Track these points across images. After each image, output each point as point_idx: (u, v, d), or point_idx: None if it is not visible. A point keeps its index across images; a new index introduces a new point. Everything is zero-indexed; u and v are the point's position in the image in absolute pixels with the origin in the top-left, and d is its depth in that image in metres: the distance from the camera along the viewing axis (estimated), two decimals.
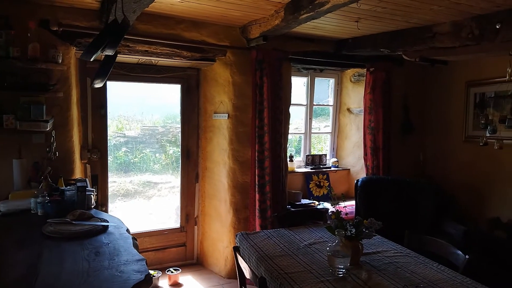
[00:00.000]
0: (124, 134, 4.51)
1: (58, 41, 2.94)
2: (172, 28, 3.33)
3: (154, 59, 3.52)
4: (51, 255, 1.85)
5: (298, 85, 4.50)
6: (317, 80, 4.55)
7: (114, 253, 1.89)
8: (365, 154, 4.24)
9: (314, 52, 3.98)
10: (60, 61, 2.86)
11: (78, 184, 2.54)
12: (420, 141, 4.65)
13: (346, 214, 2.33)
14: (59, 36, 2.94)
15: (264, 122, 3.61)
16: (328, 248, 2.09)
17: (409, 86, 4.55)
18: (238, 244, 2.56)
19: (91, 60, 2.25)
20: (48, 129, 2.78)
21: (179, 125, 4.05)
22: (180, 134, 4.04)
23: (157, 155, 4.62)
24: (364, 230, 2.21)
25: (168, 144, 4.59)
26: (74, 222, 2.21)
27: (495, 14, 2.78)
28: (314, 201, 4.02)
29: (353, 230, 2.18)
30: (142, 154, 4.61)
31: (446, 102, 4.44)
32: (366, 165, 4.23)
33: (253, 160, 3.63)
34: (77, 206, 2.45)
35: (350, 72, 4.58)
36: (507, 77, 3.09)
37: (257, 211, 3.58)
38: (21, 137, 2.83)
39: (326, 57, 4.06)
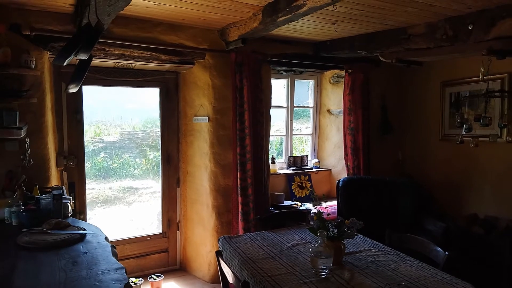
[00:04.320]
0: (103, 139, 4.41)
1: (31, 45, 2.85)
2: (149, 32, 3.28)
3: (131, 63, 3.46)
4: (26, 266, 1.79)
5: (278, 87, 4.52)
6: (297, 82, 4.58)
7: (92, 262, 1.85)
8: (346, 154, 4.28)
9: (293, 54, 4.00)
10: (33, 66, 2.78)
11: (54, 192, 2.47)
12: (399, 140, 4.74)
13: (328, 214, 2.34)
14: (32, 40, 2.85)
15: (245, 125, 3.59)
16: (310, 249, 2.09)
17: (387, 87, 4.63)
18: (221, 248, 2.53)
19: (64, 64, 2.19)
20: (21, 136, 2.69)
21: (159, 129, 3.99)
22: (160, 139, 3.98)
23: (137, 160, 4.54)
24: (346, 230, 2.22)
25: (148, 149, 4.52)
26: (50, 232, 2.14)
27: (468, 16, 2.86)
28: (296, 202, 4.03)
29: (335, 231, 2.19)
30: (121, 160, 4.52)
31: (423, 102, 4.54)
32: (347, 165, 4.27)
33: (235, 163, 3.62)
34: (53, 215, 2.37)
35: (329, 73, 4.63)
36: (481, 77, 3.18)
37: (240, 214, 3.56)
38: None
39: (305, 59, 4.09)
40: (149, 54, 3.31)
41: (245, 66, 3.57)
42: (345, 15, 2.97)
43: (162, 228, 3.98)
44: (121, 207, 4.46)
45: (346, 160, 4.28)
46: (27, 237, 2.06)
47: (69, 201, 2.59)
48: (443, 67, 4.25)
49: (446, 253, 2.26)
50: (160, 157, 4.02)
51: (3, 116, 2.65)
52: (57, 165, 3.25)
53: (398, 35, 3.38)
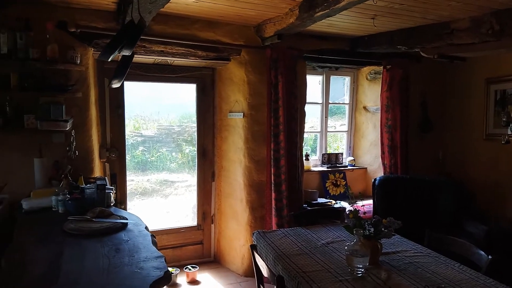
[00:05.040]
0: (141, 133, 4.57)
1: (76, 42, 2.98)
2: (187, 28, 3.34)
3: (169, 59, 3.55)
4: (72, 252, 1.88)
5: (314, 83, 4.47)
6: (332, 78, 4.51)
7: (133, 250, 1.92)
8: (383, 152, 4.18)
9: (329, 50, 3.94)
10: (79, 62, 2.91)
11: (98, 182, 2.58)
12: (439, 139, 4.56)
13: (364, 213, 2.30)
14: (77, 37, 2.98)
15: (280, 121, 3.59)
16: (346, 248, 2.07)
17: (427, 83, 4.47)
18: (255, 242, 2.55)
19: (109, 60, 2.28)
20: (67, 128, 2.84)
21: (195, 125, 4.07)
22: (196, 133, 4.06)
23: (173, 154, 4.66)
24: (383, 229, 2.17)
25: (184, 143, 4.63)
26: (94, 220, 2.24)
27: None
28: (330, 200, 3.99)
29: (372, 229, 2.15)
30: (159, 153, 4.66)
31: (466, 99, 4.34)
32: (383, 164, 4.17)
33: (269, 159, 3.63)
34: (97, 204, 2.49)
35: (366, 70, 4.52)
36: None
37: (273, 209, 3.57)
38: (42, 136, 2.89)
39: (341, 55, 4.02)
40: (186, 51, 3.38)
41: (281, 62, 3.56)
42: (385, 9, 2.89)
43: (197, 220, 4.07)
44: (158, 199, 4.60)
45: (382, 158, 4.18)
46: (72, 224, 2.18)
47: (112, 191, 2.71)
48: (488, 63, 4.05)
49: (490, 256, 2.16)
50: (195, 152, 4.10)
51: (50, 109, 2.80)
52: (100, 157, 3.40)
53: (440, 29, 3.25)
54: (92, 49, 3.09)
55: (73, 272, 1.67)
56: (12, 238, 2.10)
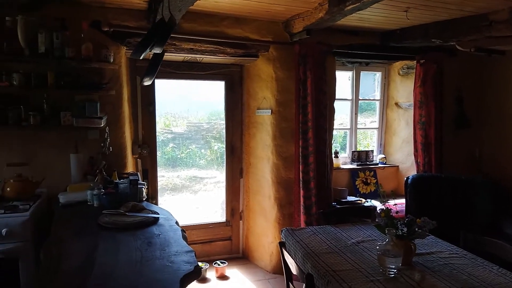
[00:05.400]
0: (171, 130, 4.65)
1: (109, 41, 3.06)
2: (216, 26, 3.36)
3: (199, 57, 3.59)
4: (107, 245, 1.94)
5: (343, 79, 4.39)
6: (363, 74, 4.41)
7: (164, 244, 1.95)
8: (416, 150, 4.05)
9: (359, 45, 3.85)
10: (112, 60, 2.99)
11: (131, 177, 2.65)
12: (476, 135, 4.36)
13: (397, 212, 2.23)
14: (110, 36, 3.06)
15: (308, 117, 3.55)
16: (378, 247, 2.02)
17: (463, 78, 4.28)
18: (284, 240, 2.54)
19: (141, 58, 2.33)
20: (102, 125, 2.93)
21: (223, 122, 4.10)
22: (224, 130, 4.09)
23: (202, 150, 4.72)
24: (416, 229, 2.10)
25: (213, 140, 4.68)
26: (127, 214, 2.31)
27: None
28: (360, 199, 3.91)
29: (405, 229, 2.08)
30: (188, 150, 4.73)
31: (505, 94, 4.12)
32: (416, 162, 4.04)
33: (297, 156, 3.60)
34: (130, 198, 2.55)
35: (398, 64, 4.39)
36: None
37: (301, 207, 3.55)
38: (77, 133, 3.00)
39: (372, 49, 3.92)
40: (215, 48, 3.40)
41: (309, 58, 3.51)
42: (418, 1, 2.78)
43: (226, 217, 4.11)
44: (188, 195, 4.68)
45: (415, 156, 4.05)
46: (107, 218, 2.25)
47: (144, 186, 2.78)
48: None
49: None
50: (224, 148, 4.14)
51: (85, 106, 2.90)
52: (133, 153, 3.49)
53: (478, 22, 3.10)
54: (125, 48, 3.16)
55: (108, 265, 1.71)
56: (50, 230, 2.20)
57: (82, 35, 2.83)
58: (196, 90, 4.45)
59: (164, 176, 4.30)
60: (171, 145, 4.56)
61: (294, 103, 3.61)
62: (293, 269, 2.07)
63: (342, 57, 3.93)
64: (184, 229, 2.24)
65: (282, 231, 2.63)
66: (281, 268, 3.58)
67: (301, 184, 3.56)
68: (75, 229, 2.18)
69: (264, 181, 3.81)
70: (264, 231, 3.82)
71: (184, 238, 2.08)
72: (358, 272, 1.99)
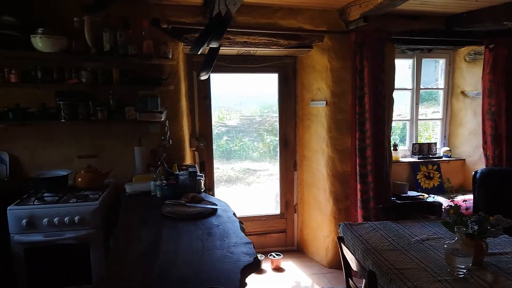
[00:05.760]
0: (225, 123, 4.74)
1: (168, 37, 3.16)
2: (270, 17, 3.34)
3: (252, 50, 3.59)
4: (170, 233, 2.03)
5: (402, 67, 4.16)
6: (424, 61, 4.15)
7: (224, 235, 1.99)
8: (484, 142, 3.75)
9: (421, 30, 3.63)
10: (170, 56, 3.08)
11: (190, 169, 2.74)
12: None
13: (466, 209, 2.08)
14: (169, 33, 3.16)
15: (365, 109, 3.42)
16: (445, 246, 1.89)
17: None
18: (342, 234, 2.48)
19: (198, 53, 2.38)
20: (162, 119, 3.05)
21: (276, 114, 4.09)
22: (277, 123, 4.07)
23: (255, 143, 4.75)
24: (489, 227, 1.95)
25: (265, 133, 4.69)
26: (188, 204, 2.39)
27: None
28: (422, 194, 3.70)
29: (476, 227, 1.94)
30: (241, 143, 4.80)
31: None
32: (485, 155, 3.74)
33: (354, 149, 3.49)
34: (190, 189, 2.65)
35: (464, 50, 4.07)
36: None
37: (358, 201, 3.44)
38: (140, 127, 3.16)
39: (435, 35, 3.67)
40: (269, 40, 3.38)
41: (366, 46, 3.37)
42: None
43: (280, 209, 4.11)
44: (242, 187, 4.76)
45: (484, 149, 3.75)
46: (169, 207, 2.34)
47: (202, 178, 2.86)
48: None
49: None
50: (276, 141, 4.13)
51: (147, 101, 3.03)
52: (190, 146, 3.61)
53: None
54: (182, 44, 3.25)
55: (171, 252, 1.79)
56: (118, 217, 2.34)
57: (143, 33, 2.94)
58: (249, 83, 4.47)
59: (219, 168, 4.40)
60: (225, 138, 4.65)
61: (350, 94, 3.50)
62: (353, 265, 2.01)
63: (402, 44, 3.73)
64: (240, 220, 2.27)
65: (339, 225, 2.57)
66: (337, 263, 3.56)
67: (358, 178, 3.45)
68: (141, 217, 2.30)
69: (319, 174, 3.75)
70: (319, 225, 3.77)
71: (242, 229, 2.11)
72: (423, 271, 1.89)
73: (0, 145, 3.00)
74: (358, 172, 3.45)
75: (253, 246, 1.86)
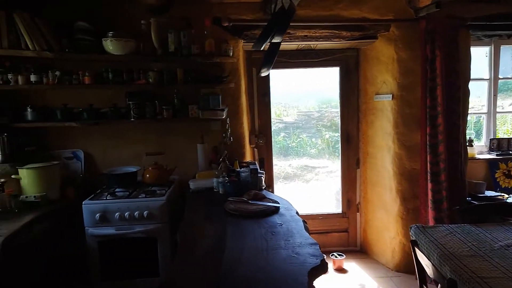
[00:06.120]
0: (282, 120, 4.69)
1: (228, 35, 3.19)
2: (331, 9, 3.22)
3: (313, 44, 3.49)
4: (234, 230, 2.02)
5: (477, 56, 3.79)
6: (502, 48, 3.74)
7: (288, 234, 1.95)
8: None
9: (500, 14, 3.27)
10: (231, 54, 3.10)
11: (251, 166, 2.74)
12: None
13: None
14: (229, 31, 3.18)
15: (437, 102, 3.16)
16: None
17: None
18: (414, 237, 2.31)
19: (261, 49, 2.34)
20: (223, 117, 3.08)
21: (335, 110, 3.96)
22: (337, 118, 3.93)
23: (313, 139, 4.65)
24: None
25: (323, 129, 4.57)
26: (250, 202, 2.38)
27: None
28: (502, 194, 3.35)
29: None
30: (299, 139, 4.72)
31: None
32: None
33: (423, 145, 3.25)
34: (251, 187, 2.64)
35: None
36: None
37: (429, 201, 3.20)
38: (202, 124, 3.23)
39: None
40: (330, 33, 3.26)
41: (438, 34, 3.11)
42: None
43: (342, 208, 3.97)
44: (300, 184, 4.68)
45: None
46: (232, 205, 2.35)
47: (263, 175, 2.84)
48: None
49: None
50: (336, 137, 4.01)
51: (209, 99, 3.07)
52: (250, 143, 3.61)
53: None
54: (242, 41, 3.25)
55: (236, 249, 1.78)
56: (182, 213, 2.39)
57: (205, 32, 2.99)
58: (307, 79, 4.37)
59: (277, 164, 4.37)
60: (282, 134, 4.61)
61: (419, 86, 3.26)
62: (429, 271, 1.86)
63: (478, 30, 3.39)
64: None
65: (411, 228, 2.40)
66: (405, 266, 3.36)
67: (428, 176, 3.21)
68: (205, 214, 2.34)
69: (384, 172, 3.55)
70: (385, 225, 3.58)
71: (306, 229, 2.05)
72: (511, 281, 1.69)
73: (76, 143, 3.23)
74: (429, 170, 3.20)
75: (319, 247, 1.79)
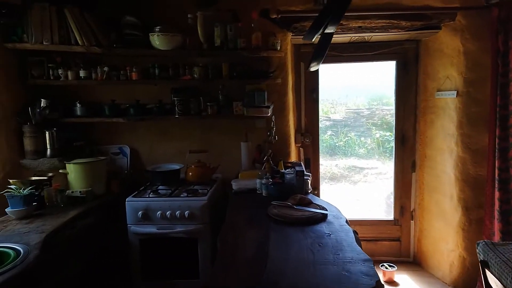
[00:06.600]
0: (329, 117, 4.50)
1: (276, 28, 3.03)
2: None
3: (367, 35, 3.23)
4: (277, 238, 1.89)
5: None
6: None
7: (337, 247, 1.78)
8: None
9: None
10: (279, 48, 2.95)
11: (297, 168, 2.57)
12: None
13: None
14: (277, 23, 3.02)
15: (509, 100, 2.79)
16: None
17: None
18: (481, 255, 2.03)
19: (312, 40, 2.17)
20: (269, 114, 2.94)
21: (386, 107, 3.69)
22: (391, 117, 3.65)
23: (362, 138, 4.43)
24: None
25: (373, 128, 4.32)
26: (295, 207, 2.22)
27: None
28: None
29: None
30: (346, 138, 4.51)
31: None
32: None
33: (491, 148, 2.89)
34: (296, 190, 2.48)
35: None
36: None
37: (496, 212, 2.85)
38: (247, 122, 3.11)
39: None
40: (388, 23, 3.00)
41: None
42: None
43: (394, 214, 3.67)
44: (346, 185, 4.46)
45: None
46: (276, 209, 2.20)
47: (309, 178, 2.66)
48: None
49: None
50: (387, 137, 3.74)
51: (255, 96, 2.94)
52: (295, 142, 3.44)
53: None
54: (291, 34, 3.08)
55: (279, 260, 1.65)
56: (224, 214, 2.30)
57: (252, 25, 2.86)
58: (356, 74, 4.12)
59: (323, 164, 4.17)
60: (329, 132, 4.42)
61: (488, 82, 2.90)
62: None
63: None
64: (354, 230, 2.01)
65: (478, 244, 2.11)
66: (464, 282, 3.06)
67: (496, 184, 2.85)
68: (247, 216, 2.22)
69: (444, 177, 3.22)
70: (443, 236, 3.25)
71: (358, 241, 1.86)
72: None
73: (122, 139, 3.25)
74: (497, 177, 2.84)
75: (373, 264, 1.60)
